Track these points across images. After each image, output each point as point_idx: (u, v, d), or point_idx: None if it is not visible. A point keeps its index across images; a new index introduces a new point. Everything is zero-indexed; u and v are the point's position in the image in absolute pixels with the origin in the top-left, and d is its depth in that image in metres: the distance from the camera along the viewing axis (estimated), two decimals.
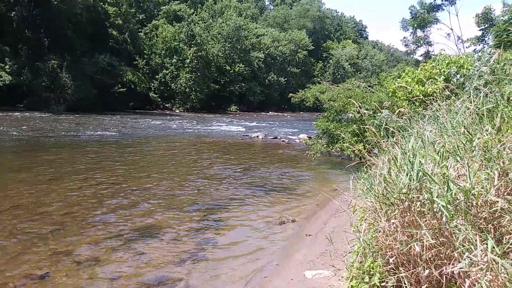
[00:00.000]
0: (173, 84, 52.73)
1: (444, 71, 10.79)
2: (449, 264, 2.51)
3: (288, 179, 10.44)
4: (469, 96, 3.55)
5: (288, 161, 13.71)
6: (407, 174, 3.13)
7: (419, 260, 2.71)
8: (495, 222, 2.40)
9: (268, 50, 69.09)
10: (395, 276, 2.85)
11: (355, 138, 11.18)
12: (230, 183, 9.62)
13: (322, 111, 14.98)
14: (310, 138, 19.06)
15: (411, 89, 10.62)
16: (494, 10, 31.23)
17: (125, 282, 4.40)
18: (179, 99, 53.13)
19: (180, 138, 19.84)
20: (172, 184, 9.06)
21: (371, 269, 3.06)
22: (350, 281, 3.15)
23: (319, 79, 71.33)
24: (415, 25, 39.41)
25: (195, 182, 9.50)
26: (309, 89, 14.65)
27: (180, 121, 32.46)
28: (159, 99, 52.37)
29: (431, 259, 2.66)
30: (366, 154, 4.10)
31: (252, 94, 62.78)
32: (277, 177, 10.70)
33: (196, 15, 59.24)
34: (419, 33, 40.28)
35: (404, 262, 2.89)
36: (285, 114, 59.21)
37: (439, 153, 3.07)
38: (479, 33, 32.16)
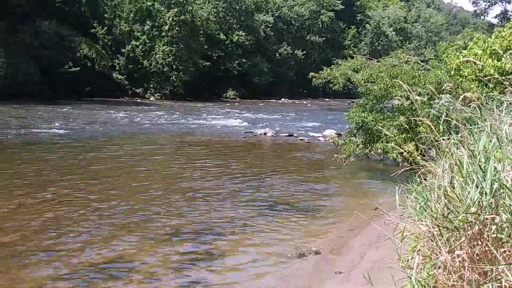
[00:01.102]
0: (146, 61, 53.00)
1: None
2: None
3: (309, 194, 10.48)
4: None
5: (309, 168, 13.76)
6: (477, 186, 3.11)
7: None
8: None
9: (279, 12, 69.30)
10: None
11: (404, 135, 11.17)
12: (228, 199, 9.69)
13: (356, 97, 15.03)
14: (339, 135, 19.03)
15: (482, 65, 10.54)
16: None
17: None
18: (155, 81, 53.44)
19: (157, 137, 20.00)
20: (147, 202, 9.14)
21: None
22: None
23: (351, 52, 71.32)
24: None
25: (179, 199, 9.58)
26: (337, 67, 14.66)
27: (157, 112, 32.77)
28: (127, 82, 52.67)
29: None
30: (419, 157, 4.10)
31: (257, 73, 62.90)
32: (293, 190, 10.75)
33: None
34: None
35: None
36: (304, 102, 59.56)
37: None
38: None
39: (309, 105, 53.71)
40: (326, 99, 67.11)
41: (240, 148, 17.70)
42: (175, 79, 52.25)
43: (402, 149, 9.35)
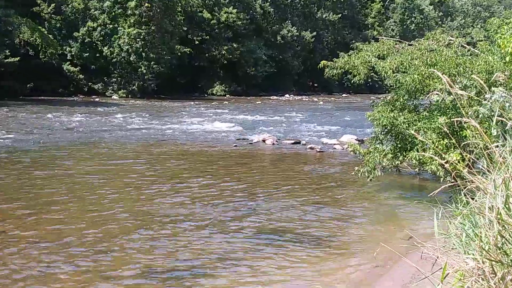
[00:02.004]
0: (106, 48, 53.36)
1: None
2: None
3: (322, 220, 10.50)
4: None
5: (321, 187, 13.82)
6: None
7: None
8: None
9: None
10: None
11: (445, 141, 11.21)
12: (217, 230, 9.70)
13: (382, 92, 15.09)
14: (361, 142, 18.98)
15: None
16: None
17: None
18: (119, 75, 54.00)
19: (122, 148, 20.05)
20: (111, 237, 9.14)
21: None
22: None
23: (375, 33, 71.61)
24: None
25: (153, 231, 9.58)
26: (357, 52, 14.73)
27: (122, 115, 32.88)
28: (81, 76, 52.80)
29: None
30: (465, 170, 4.12)
31: (252, 62, 63.45)
32: (301, 216, 10.78)
33: None
34: None
35: None
36: (315, 99, 59.75)
37: None
38: None
39: (321, 103, 53.89)
40: (343, 95, 67.34)
41: (231, 161, 17.73)
42: (145, 71, 52.50)
43: (443, 159, 9.39)
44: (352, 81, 14.71)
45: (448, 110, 11.79)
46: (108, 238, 8.97)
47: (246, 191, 13.02)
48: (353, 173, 13.10)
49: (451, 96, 11.47)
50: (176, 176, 14.73)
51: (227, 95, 58.96)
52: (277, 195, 12.59)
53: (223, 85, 60.71)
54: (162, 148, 19.89)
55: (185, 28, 57.98)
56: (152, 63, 52.58)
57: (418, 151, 12.06)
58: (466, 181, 4.03)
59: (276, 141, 22.30)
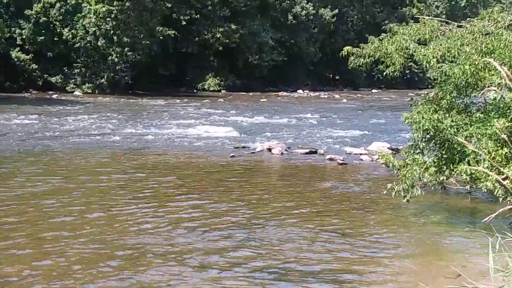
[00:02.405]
0: (67, 30, 53.84)
1: None
2: None
3: (346, 254, 10.47)
4: None
5: (344, 210, 13.81)
6: None
7: None
8: None
9: None
10: None
11: (505, 150, 11.16)
12: (209, 266, 9.68)
13: (422, 88, 15.08)
14: (396, 151, 18.96)
15: None
16: None
17: None
18: (83, 65, 54.48)
19: (88, 158, 20.20)
20: (62, 271, 9.14)
21: None
22: None
23: (415, 12, 71.54)
24: None
25: (117, 264, 9.60)
26: (391, 36, 14.72)
27: (87, 116, 32.98)
28: (35, 66, 52.89)
29: None
30: None
31: (255, 49, 63.81)
32: (318, 249, 10.73)
33: None
34: None
35: None
36: (336, 96, 59.81)
37: None
38: None
39: (343, 100, 53.87)
40: (373, 91, 67.70)
41: (227, 176, 17.72)
42: (117, 60, 52.62)
43: (502, 174, 9.36)
44: (385, 73, 14.65)
45: (508, 111, 11.75)
46: (64, 276, 8.94)
47: (245, 215, 12.96)
48: (385, 192, 13.01)
49: None
50: (156, 195, 14.71)
51: (222, 91, 59.08)
52: (285, 221, 12.55)
53: (218, 78, 60.80)
54: (138, 160, 19.88)
55: (169, 5, 58.05)
56: (126, 49, 52.73)
57: (469, 164, 12.02)
58: None
59: (286, 150, 22.31)
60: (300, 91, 62.42)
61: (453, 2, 78.29)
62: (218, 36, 60.16)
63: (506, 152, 11.41)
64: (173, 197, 14.66)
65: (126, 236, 11.01)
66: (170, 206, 13.59)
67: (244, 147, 22.97)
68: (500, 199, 11.17)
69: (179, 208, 13.38)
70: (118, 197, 14.31)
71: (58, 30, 53.41)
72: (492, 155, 11.39)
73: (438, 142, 13.19)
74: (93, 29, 52.41)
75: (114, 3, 52.03)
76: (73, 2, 53.33)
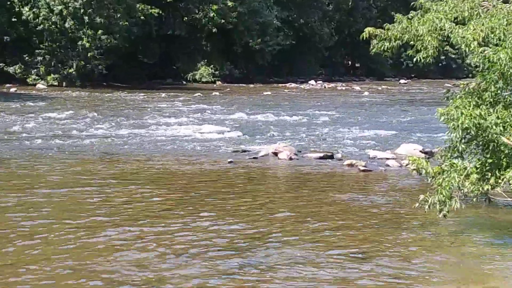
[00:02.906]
0: (27, 10, 53.50)
1: None
2: None
3: (368, 279, 10.45)
4: None
5: (367, 226, 13.78)
6: None
7: None
8: None
9: None
10: None
11: None
12: None
13: (462, 77, 15.05)
14: (430, 155, 18.93)
15: None
16: None
17: None
18: (47, 52, 54.45)
19: (51, 164, 20.14)
20: None
21: None
22: None
23: None
24: None
25: None
26: (422, 14, 14.71)
27: (52, 114, 32.94)
28: None
29: None
30: None
31: (257, 31, 64.05)
32: (334, 273, 10.70)
33: None
34: None
35: None
36: (356, 87, 60.21)
37: None
38: None
39: (365, 93, 53.74)
40: (401, 81, 67.72)
41: (224, 187, 17.71)
42: (88, 46, 52.44)
43: None
44: (415, 60, 14.66)
45: None
46: None
47: (244, 235, 12.89)
48: (417, 205, 12.97)
49: None
50: (137, 212, 14.63)
51: (217, 82, 59.04)
52: (293, 242, 12.48)
53: (212, 66, 60.67)
54: (115, 167, 19.85)
55: None
56: (99, 32, 52.65)
57: None
58: None
59: (295, 154, 22.30)
60: (312, 82, 62.37)
61: None
62: (211, 15, 60.04)
63: None
64: (157, 212, 14.58)
65: (100, 264, 10.93)
66: (154, 225, 13.49)
67: (244, 151, 22.98)
68: None
69: (165, 228, 13.27)
70: (91, 216, 14.17)
71: (17, 9, 53.32)
72: None
73: (481, 143, 13.17)
74: (59, 7, 52.32)
75: None
76: None
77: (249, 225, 13.65)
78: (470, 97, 13.45)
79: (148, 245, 12.09)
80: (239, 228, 13.41)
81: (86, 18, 52.22)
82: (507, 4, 13.79)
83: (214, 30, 60.54)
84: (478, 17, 13.86)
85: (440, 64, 56.83)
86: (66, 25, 52.42)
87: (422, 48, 14.04)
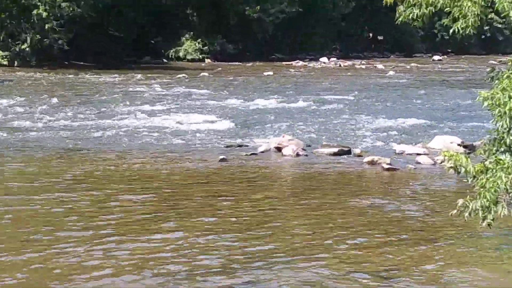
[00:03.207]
0: None
1: None
2: None
3: None
4: None
5: (394, 240, 13.71)
6: None
7: None
8: None
9: None
10: None
11: None
12: None
13: (509, 52, 15.03)
14: (470, 149, 18.85)
15: None
16: None
17: None
18: None
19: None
20: None
21: None
22: None
23: None
24: None
25: None
26: None
27: (1, 100, 33.00)
28: None
29: None
30: None
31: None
32: None
33: None
34: None
35: None
36: (379, 65, 60.31)
37: None
38: None
39: (390, 73, 53.88)
40: (435, 58, 67.61)
41: (215, 190, 17.72)
42: (46, 16, 52.43)
43: None
44: (452, 31, 14.63)
45: None
46: None
47: (241, 251, 12.86)
48: (454, 211, 12.94)
49: None
50: (106, 224, 14.53)
51: (206, 60, 59.17)
52: (300, 259, 12.44)
53: (199, 41, 60.71)
54: (81, 167, 19.81)
55: None
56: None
57: None
58: None
59: (304, 149, 22.31)
60: (324, 59, 62.48)
61: None
62: None
63: None
64: (133, 227, 14.46)
65: None
66: (129, 241, 13.41)
67: (240, 146, 23.04)
68: None
69: (142, 244, 13.22)
70: (53, 228, 14.16)
71: None
72: None
73: None
74: None
75: None
76: None
77: (247, 241, 13.50)
78: None
79: (120, 265, 11.95)
80: (234, 245, 13.29)
81: None
82: None
83: None
84: None
85: (483, 37, 56.94)
86: None
87: (460, 16, 14.03)
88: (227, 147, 22.81)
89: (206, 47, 60.64)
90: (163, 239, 13.49)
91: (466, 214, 12.69)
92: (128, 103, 33.19)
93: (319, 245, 13.31)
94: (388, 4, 14.94)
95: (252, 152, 22.16)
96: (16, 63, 52.19)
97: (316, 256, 12.64)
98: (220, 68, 53.71)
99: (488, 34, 58.01)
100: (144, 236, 13.65)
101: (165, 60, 58.66)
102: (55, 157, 21.17)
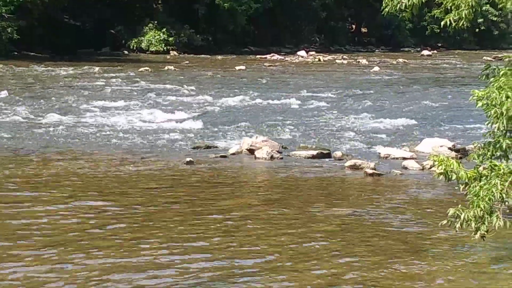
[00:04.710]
0: None
1: None
2: None
3: None
4: None
5: (377, 252, 13.74)
6: None
7: None
8: None
9: None
10: None
11: None
12: None
13: (505, 48, 15.08)
14: (462, 154, 18.80)
15: None
16: None
17: None
18: None
19: None
20: None
21: None
22: None
23: None
24: None
25: None
26: None
27: None
28: None
29: None
30: None
31: None
32: None
33: None
34: None
35: None
36: (362, 60, 60.75)
37: None
38: None
39: (375, 68, 54.14)
40: (424, 52, 67.77)
41: (179, 197, 17.73)
42: None
43: None
44: (443, 24, 14.69)
45: None
46: None
47: (209, 271, 12.61)
48: (445, 221, 13.00)
49: None
50: (56, 237, 14.29)
51: (172, 52, 59.15)
52: (274, 275, 12.35)
53: (164, 30, 60.81)
54: (28, 170, 19.70)
55: None
56: None
57: None
58: None
59: (279, 151, 22.38)
60: (302, 52, 62.64)
61: None
62: None
63: None
64: (87, 239, 14.28)
65: None
66: (80, 258, 13.20)
67: (208, 147, 23.07)
68: None
69: (95, 262, 12.97)
70: None
71: None
72: None
73: None
74: None
75: None
76: None
77: (214, 256, 13.32)
78: None
79: (65, 279, 11.73)
80: (197, 257, 13.23)
81: None
82: None
83: None
84: None
85: (477, 30, 57.20)
86: None
87: (453, 7, 14.07)
88: (194, 148, 22.83)
89: (172, 38, 60.71)
90: (118, 254, 13.17)
91: (457, 225, 12.74)
92: (84, 99, 33.16)
93: (293, 259, 13.25)
94: None
95: (222, 154, 22.21)
96: None
97: (289, 270, 12.60)
98: (187, 62, 53.83)
99: (483, 28, 58.26)
100: (99, 250, 13.29)
101: (126, 52, 58.74)
102: None
